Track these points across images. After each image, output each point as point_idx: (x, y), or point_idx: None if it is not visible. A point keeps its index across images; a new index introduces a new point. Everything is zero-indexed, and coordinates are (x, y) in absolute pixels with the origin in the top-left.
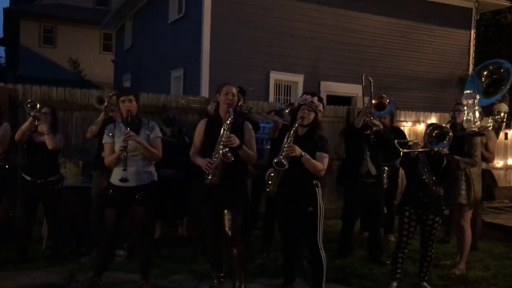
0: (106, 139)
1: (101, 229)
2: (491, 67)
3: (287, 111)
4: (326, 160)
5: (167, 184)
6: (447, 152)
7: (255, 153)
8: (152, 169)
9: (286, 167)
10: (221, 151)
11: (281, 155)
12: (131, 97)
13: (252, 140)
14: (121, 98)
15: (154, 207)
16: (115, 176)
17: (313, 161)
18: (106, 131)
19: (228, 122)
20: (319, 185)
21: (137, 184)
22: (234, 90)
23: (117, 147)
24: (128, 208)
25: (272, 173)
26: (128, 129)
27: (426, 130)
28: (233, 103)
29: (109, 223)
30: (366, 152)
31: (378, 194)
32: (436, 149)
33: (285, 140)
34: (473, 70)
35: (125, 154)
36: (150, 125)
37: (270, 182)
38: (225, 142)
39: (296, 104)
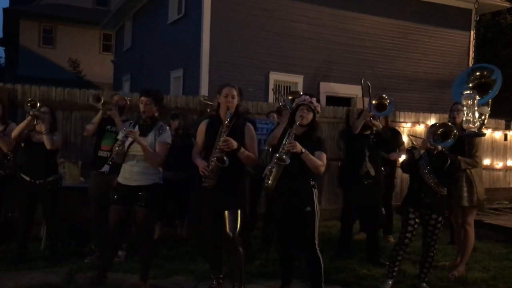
0: (119, 135)
1: (102, 229)
2: (485, 72)
3: (290, 97)
4: (325, 158)
5: (168, 185)
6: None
7: (256, 155)
8: (156, 171)
9: (288, 162)
10: (216, 156)
11: (282, 151)
12: (149, 100)
13: (252, 142)
14: (140, 98)
15: (157, 211)
16: (121, 174)
17: (313, 158)
18: (123, 128)
19: (225, 126)
20: (316, 186)
21: (139, 184)
22: (235, 92)
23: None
24: (130, 208)
25: (272, 168)
26: (133, 126)
27: (430, 129)
28: (233, 105)
29: (112, 221)
30: (366, 152)
31: (377, 195)
32: (440, 147)
33: (286, 137)
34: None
35: (117, 149)
36: (160, 130)
37: (270, 177)
38: (221, 146)
39: (294, 103)
